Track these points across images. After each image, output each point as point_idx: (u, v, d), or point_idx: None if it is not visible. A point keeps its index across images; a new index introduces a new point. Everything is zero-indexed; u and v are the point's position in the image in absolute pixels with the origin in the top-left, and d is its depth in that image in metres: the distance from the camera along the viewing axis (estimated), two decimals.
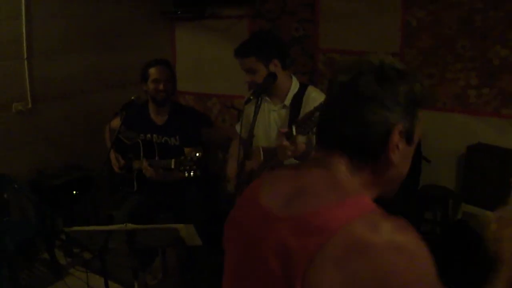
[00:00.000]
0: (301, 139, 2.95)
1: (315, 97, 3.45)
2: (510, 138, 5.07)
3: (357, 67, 1.46)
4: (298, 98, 3.47)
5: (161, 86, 4.41)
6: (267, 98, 3.63)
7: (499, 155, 4.96)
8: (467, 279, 4.40)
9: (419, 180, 5.42)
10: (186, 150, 4.07)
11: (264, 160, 3.44)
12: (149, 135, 4.53)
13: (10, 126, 5.13)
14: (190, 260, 4.62)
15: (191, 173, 3.92)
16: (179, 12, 6.51)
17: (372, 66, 1.44)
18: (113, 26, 6.06)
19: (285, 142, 2.91)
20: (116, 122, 4.55)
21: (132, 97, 4.31)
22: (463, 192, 5.24)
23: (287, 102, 3.50)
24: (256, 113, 3.25)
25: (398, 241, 1.28)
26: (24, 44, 5.12)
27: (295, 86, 3.54)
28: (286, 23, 6.24)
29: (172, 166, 4.03)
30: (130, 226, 3.24)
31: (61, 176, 5.36)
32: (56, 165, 5.48)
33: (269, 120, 3.63)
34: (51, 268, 4.97)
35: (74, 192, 5.34)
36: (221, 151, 6.11)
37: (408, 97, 1.44)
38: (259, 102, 3.28)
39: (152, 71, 4.42)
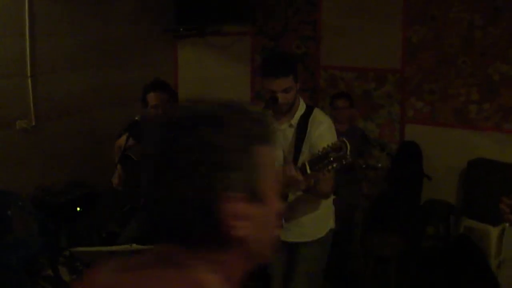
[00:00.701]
0: (313, 175, 3.01)
1: (320, 120, 3.45)
2: (511, 152, 5.10)
3: (165, 130, 1.16)
4: (305, 119, 3.45)
5: (160, 112, 4.43)
6: (273, 118, 3.57)
7: (500, 169, 5.00)
8: None
9: (421, 196, 5.44)
10: None
11: None
12: None
13: (13, 143, 5.12)
14: None
15: None
16: (181, 29, 6.55)
17: (180, 124, 1.14)
18: (116, 43, 6.09)
19: (300, 177, 2.96)
20: (121, 141, 4.56)
21: (136, 118, 4.32)
22: (465, 206, 5.27)
23: (294, 121, 3.47)
24: None
25: None
26: (28, 62, 5.13)
27: (302, 106, 3.52)
28: (288, 41, 6.31)
29: None
30: (136, 246, 3.23)
31: (65, 193, 5.35)
32: (60, 182, 5.47)
33: None
34: (55, 285, 4.96)
35: (78, 209, 5.34)
36: None
37: (235, 147, 1.11)
38: None
39: (150, 97, 4.42)
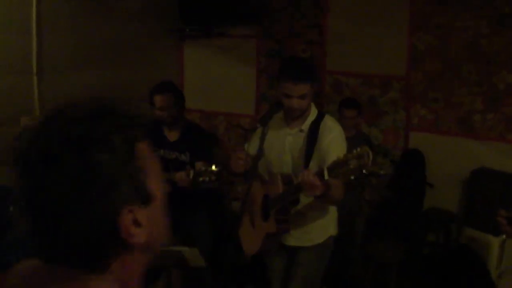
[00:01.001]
0: (330, 182, 2.97)
1: (331, 126, 3.43)
2: None
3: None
4: (316, 125, 3.43)
5: (165, 114, 4.46)
6: (284, 122, 3.58)
7: (503, 179, 5.00)
8: None
9: (423, 203, 5.44)
10: (197, 164, 4.10)
11: (283, 190, 3.35)
12: (161, 151, 4.58)
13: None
14: (194, 281, 4.64)
15: (210, 184, 3.98)
16: (187, 30, 6.56)
17: (62, 145, 1.03)
18: (122, 43, 6.10)
19: (318, 183, 2.91)
20: None
21: None
22: (466, 216, 5.27)
23: (305, 127, 3.45)
24: (262, 141, 3.29)
25: None
26: (34, 60, 5.16)
27: (314, 112, 3.50)
28: (293, 44, 6.32)
29: (190, 177, 4.08)
30: None
31: None
32: None
33: (284, 143, 3.55)
34: None
35: None
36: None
37: (121, 159, 1.06)
38: (265, 131, 3.31)
39: (157, 99, 4.45)
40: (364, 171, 2.79)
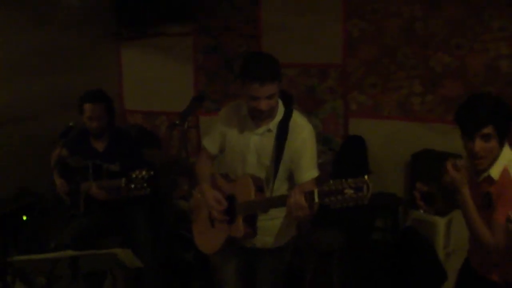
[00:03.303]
0: (317, 206, 2.79)
1: (301, 124, 3.24)
2: (456, 143, 5.11)
3: None
4: (285, 124, 3.22)
5: (93, 124, 4.38)
6: (249, 120, 3.31)
7: (444, 159, 5.00)
8: (418, 284, 4.44)
9: None
10: (133, 172, 4.04)
11: (256, 197, 3.14)
12: (91, 162, 4.50)
13: None
14: (138, 282, 4.60)
15: (141, 191, 3.91)
16: (124, 32, 6.54)
17: None
18: (58, 49, 6.03)
19: (304, 204, 2.75)
20: (57, 151, 4.51)
21: (70, 124, 4.28)
22: (412, 198, 5.28)
23: (273, 126, 3.22)
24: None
25: None
26: None
27: (281, 110, 3.27)
28: (230, 39, 6.31)
29: (123, 185, 4.01)
30: (70, 252, 3.23)
31: (11, 201, 5.34)
32: (5, 190, 5.42)
33: (249, 143, 3.31)
34: None
35: (24, 217, 5.30)
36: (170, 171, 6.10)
37: None
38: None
39: (86, 107, 4.36)
40: (359, 203, 2.53)
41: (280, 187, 3.24)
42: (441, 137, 5.22)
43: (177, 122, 3.33)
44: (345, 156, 5.62)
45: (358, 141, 5.62)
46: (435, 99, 5.29)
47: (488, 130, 2.59)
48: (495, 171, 2.67)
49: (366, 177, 2.55)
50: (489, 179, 2.69)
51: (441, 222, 4.84)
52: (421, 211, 3.17)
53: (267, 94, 3.02)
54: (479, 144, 2.62)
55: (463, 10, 5.09)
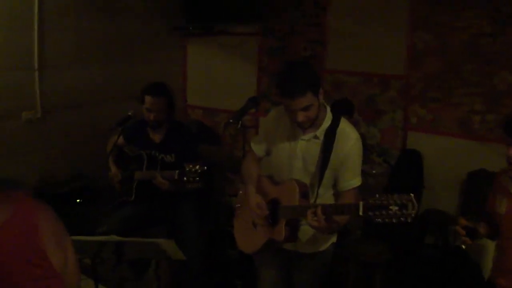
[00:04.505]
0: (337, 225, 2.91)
1: (348, 133, 3.22)
2: None
3: None
4: (332, 131, 3.21)
5: (151, 117, 4.46)
6: (295, 124, 3.27)
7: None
8: None
9: (420, 204, 5.39)
10: (187, 165, 4.11)
11: (300, 203, 3.15)
12: (147, 152, 4.59)
13: (19, 134, 5.24)
14: (183, 273, 4.67)
15: (193, 185, 3.99)
16: (190, 28, 6.64)
17: None
18: (125, 40, 6.17)
19: (324, 225, 2.87)
20: (114, 138, 4.61)
21: (129, 113, 4.39)
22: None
23: (320, 133, 3.21)
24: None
25: None
26: (36, 55, 5.24)
27: (329, 116, 3.24)
28: (295, 43, 6.33)
29: (176, 177, 4.10)
30: (115, 238, 3.32)
31: (66, 184, 5.48)
32: (62, 173, 5.58)
33: (296, 148, 3.30)
34: None
35: (78, 200, 5.44)
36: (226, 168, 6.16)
37: None
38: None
39: (147, 99, 4.45)
40: (403, 221, 2.52)
41: (324, 194, 3.25)
42: (500, 158, 5.11)
43: (230, 120, 3.37)
44: (400, 170, 5.56)
45: (415, 155, 5.55)
46: (496, 119, 5.17)
47: None
48: None
49: (412, 195, 2.52)
50: None
51: (491, 245, 4.75)
52: (463, 246, 3.13)
53: (301, 107, 3.01)
54: None
55: None
